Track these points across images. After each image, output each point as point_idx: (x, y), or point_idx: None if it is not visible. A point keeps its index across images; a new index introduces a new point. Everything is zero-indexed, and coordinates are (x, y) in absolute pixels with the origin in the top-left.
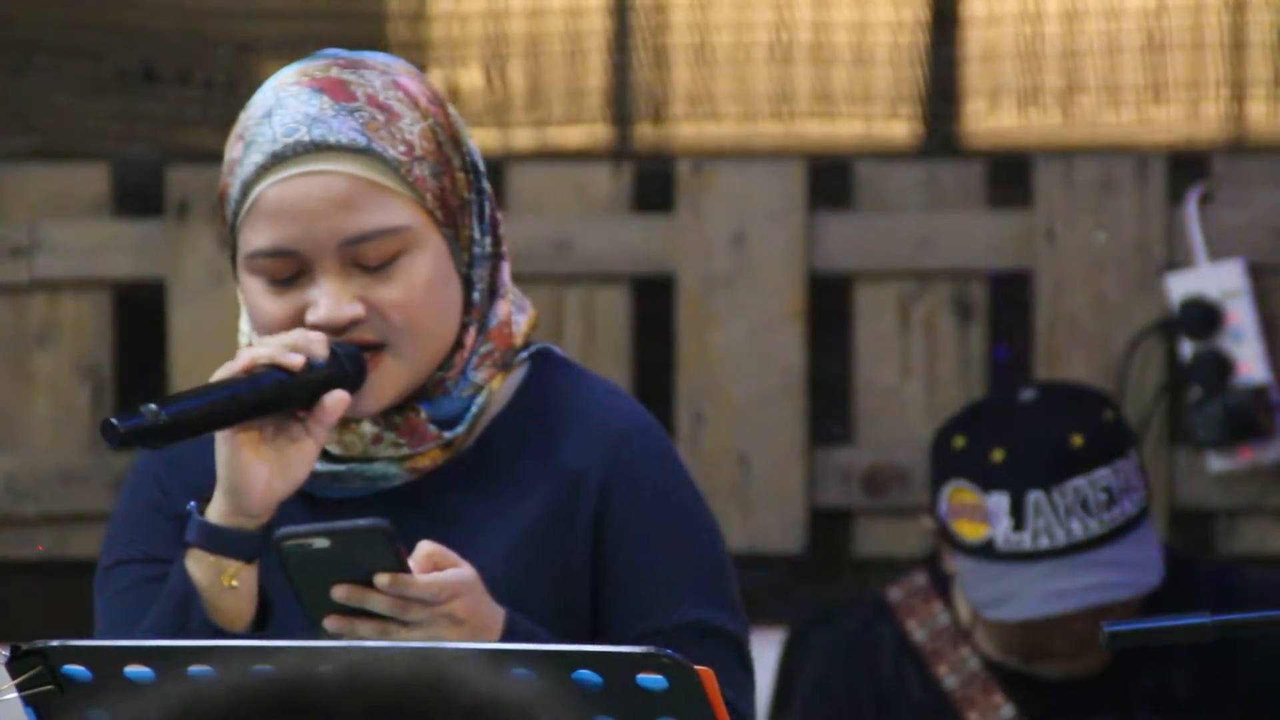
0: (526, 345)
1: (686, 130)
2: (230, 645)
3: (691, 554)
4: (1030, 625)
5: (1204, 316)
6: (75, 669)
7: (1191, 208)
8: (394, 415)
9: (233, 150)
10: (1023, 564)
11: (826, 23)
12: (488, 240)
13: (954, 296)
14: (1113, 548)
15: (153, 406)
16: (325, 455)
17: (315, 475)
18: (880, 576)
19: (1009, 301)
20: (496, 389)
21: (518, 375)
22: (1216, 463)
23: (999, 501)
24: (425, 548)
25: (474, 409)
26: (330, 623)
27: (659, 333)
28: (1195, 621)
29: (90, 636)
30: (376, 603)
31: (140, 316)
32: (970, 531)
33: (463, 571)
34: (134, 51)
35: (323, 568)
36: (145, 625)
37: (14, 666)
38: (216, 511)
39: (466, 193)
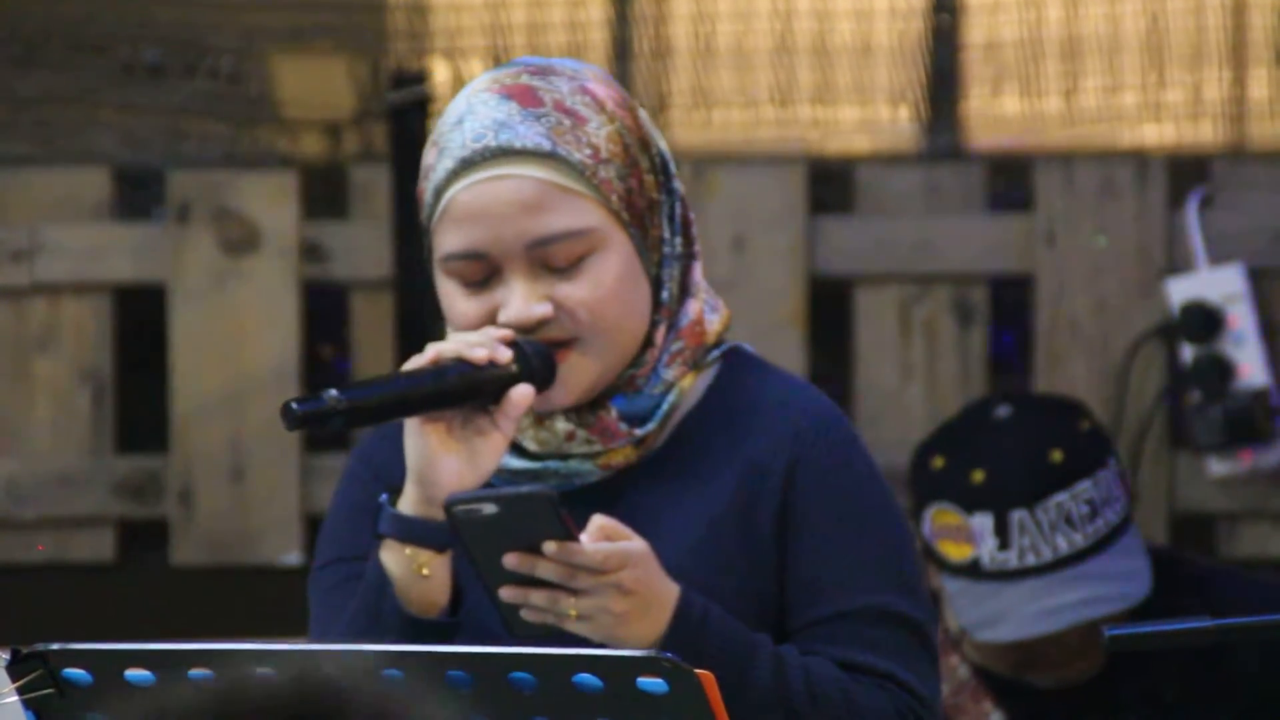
0: (718, 344)
1: (687, 130)
2: (231, 649)
3: (871, 541)
4: (1022, 643)
5: (1204, 320)
6: (76, 672)
7: (1192, 212)
8: (586, 413)
9: (428, 156)
10: (1010, 582)
11: (828, 12)
12: (678, 240)
13: (954, 300)
14: (1099, 559)
15: (333, 392)
16: (523, 453)
17: (514, 473)
18: None
19: (1010, 305)
20: (688, 387)
21: (709, 374)
22: (1217, 467)
23: (982, 522)
24: (598, 520)
25: (665, 406)
26: (505, 592)
27: None
28: (1197, 625)
29: (87, 639)
30: (545, 570)
31: (140, 320)
32: (955, 552)
33: (633, 544)
34: (139, 45)
35: (494, 535)
36: (345, 618)
37: (15, 670)
38: (407, 502)
39: (655, 193)
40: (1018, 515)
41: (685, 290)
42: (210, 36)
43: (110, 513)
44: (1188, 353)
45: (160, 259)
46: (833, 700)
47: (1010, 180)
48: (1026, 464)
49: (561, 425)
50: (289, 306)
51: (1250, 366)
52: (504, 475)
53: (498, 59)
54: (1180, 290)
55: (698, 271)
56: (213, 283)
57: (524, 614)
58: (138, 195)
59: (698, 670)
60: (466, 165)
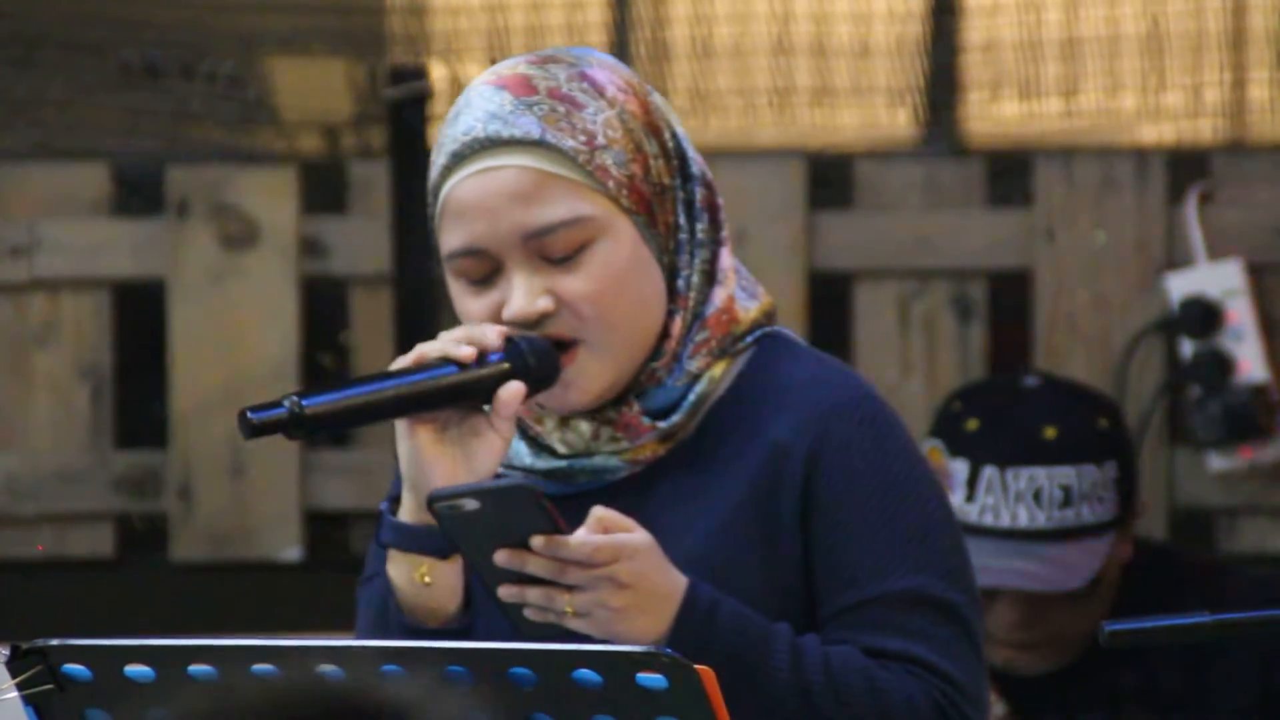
0: (753, 330)
1: (687, 126)
2: (231, 645)
3: (902, 521)
4: None
5: (1204, 316)
6: (75, 668)
7: (1191, 207)
8: (609, 410)
9: (433, 154)
10: (965, 536)
11: (827, 14)
12: (699, 226)
13: (954, 295)
14: (1054, 546)
15: (294, 396)
16: (551, 453)
17: (544, 473)
18: None
19: (1009, 300)
20: (719, 375)
21: (741, 360)
22: (1216, 462)
23: (959, 469)
24: (597, 512)
25: (692, 397)
26: (503, 591)
27: None
28: (1195, 620)
29: (87, 635)
30: (535, 565)
31: (140, 316)
32: None
33: (631, 536)
34: (138, 47)
35: (481, 531)
36: (361, 632)
37: (14, 665)
38: (404, 509)
39: (667, 179)
40: (988, 472)
41: (712, 278)
42: (209, 39)
43: (110, 508)
44: (1187, 348)
45: (159, 255)
46: (855, 689)
47: (1010, 175)
48: (1017, 429)
49: (585, 425)
50: (288, 302)
51: (1249, 362)
52: (535, 476)
53: (495, 62)
54: (1180, 285)
55: (726, 258)
56: (212, 279)
57: (526, 613)
58: (137, 191)
59: (697, 665)
60: (458, 160)
